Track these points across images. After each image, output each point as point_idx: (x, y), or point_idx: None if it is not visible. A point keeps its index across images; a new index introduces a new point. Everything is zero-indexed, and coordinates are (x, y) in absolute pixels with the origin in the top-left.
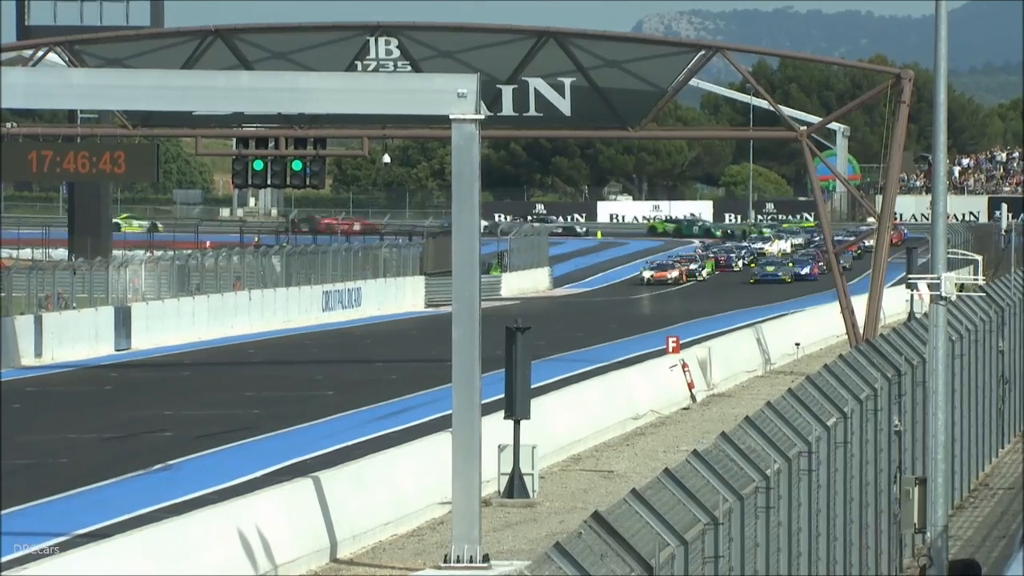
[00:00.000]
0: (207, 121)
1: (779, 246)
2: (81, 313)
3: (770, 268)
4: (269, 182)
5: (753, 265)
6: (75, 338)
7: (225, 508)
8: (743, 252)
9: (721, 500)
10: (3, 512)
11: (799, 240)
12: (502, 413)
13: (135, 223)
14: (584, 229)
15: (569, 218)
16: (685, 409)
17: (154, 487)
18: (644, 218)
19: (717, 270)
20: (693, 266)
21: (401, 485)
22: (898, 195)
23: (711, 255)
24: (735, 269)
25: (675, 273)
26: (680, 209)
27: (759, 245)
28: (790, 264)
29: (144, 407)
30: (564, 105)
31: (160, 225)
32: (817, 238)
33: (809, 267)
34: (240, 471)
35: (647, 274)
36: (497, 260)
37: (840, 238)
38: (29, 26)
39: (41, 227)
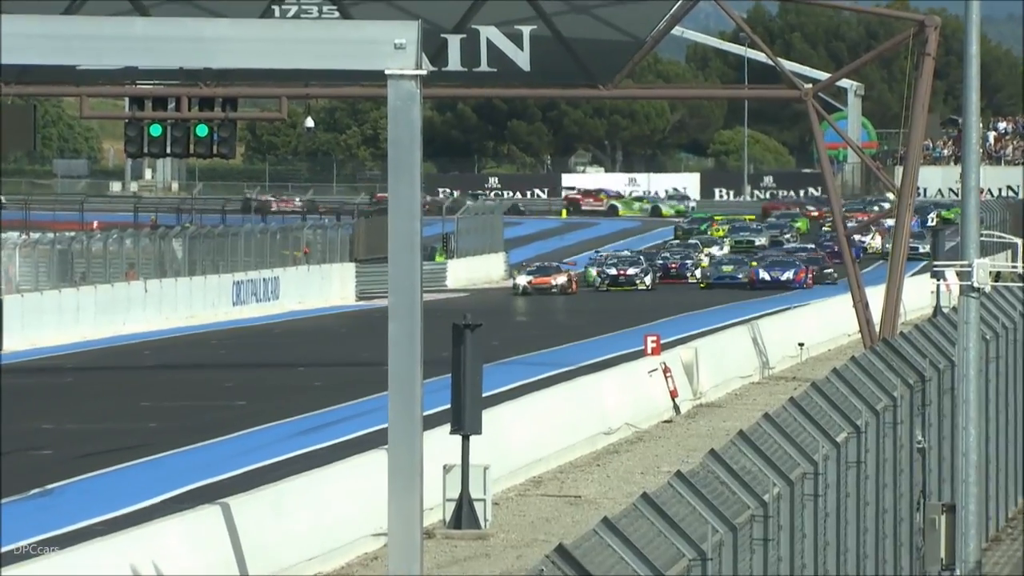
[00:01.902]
0: (94, 78)
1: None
2: None
3: (727, 268)
4: (168, 150)
5: (705, 265)
6: None
7: (116, 541)
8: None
9: (710, 531)
10: None
11: (763, 240)
12: (448, 427)
13: None
14: (690, 206)
15: (528, 193)
16: (667, 422)
17: (30, 516)
18: (619, 193)
19: (663, 279)
20: (633, 270)
21: (328, 513)
22: (921, 166)
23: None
24: (688, 279)
25: (561, 279)
26: (661, 183)
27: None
28: (753, 264)
29: (18, 420)
30: (522, 58)
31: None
32: (810, 246)
33: (793, 271)
34: (134, 496)
35: (522, 280)
36: (442, 244)
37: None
38: None
39: None
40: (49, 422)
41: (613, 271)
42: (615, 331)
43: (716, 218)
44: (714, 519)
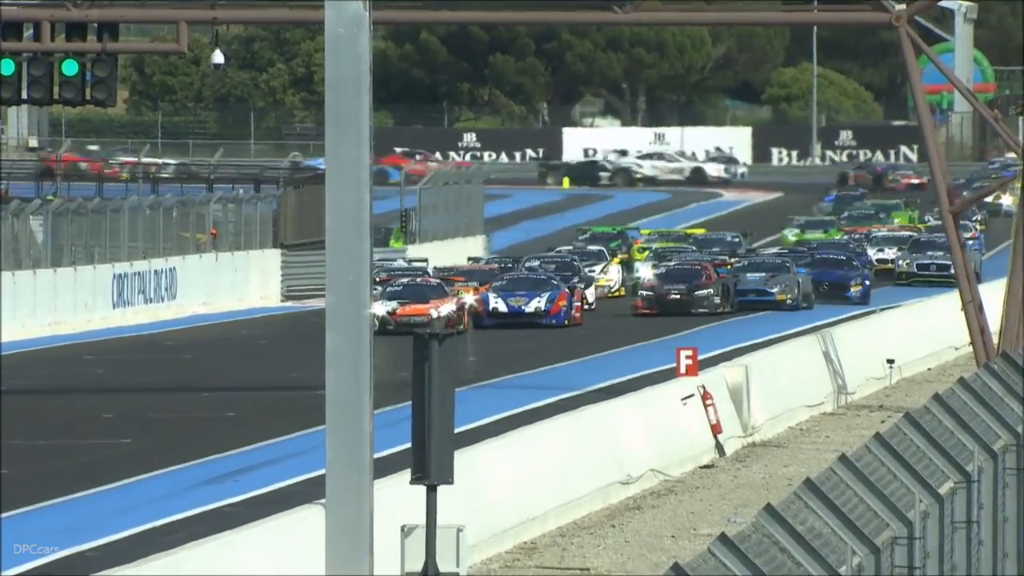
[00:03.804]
0: None
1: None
2: None
3: (754, 283)
4: (24, 95)
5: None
6: None
7: None
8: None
9: None
10: None
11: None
12: (407, 474)
13: None
14: (739, 172)
15: (520, 154)
16: (707, 467)
17: None
18: (639, 154)
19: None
20: (535, 303)
21: None
22: None
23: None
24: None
25: (445, 307)
26: (699, 140)
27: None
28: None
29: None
30: None
31: None
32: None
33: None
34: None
35: (382, 309)
36: (400, 224)
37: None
38: None
39: None
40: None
41: (503, 305)
42: (636, 342)
43: (643, 232)
44: None
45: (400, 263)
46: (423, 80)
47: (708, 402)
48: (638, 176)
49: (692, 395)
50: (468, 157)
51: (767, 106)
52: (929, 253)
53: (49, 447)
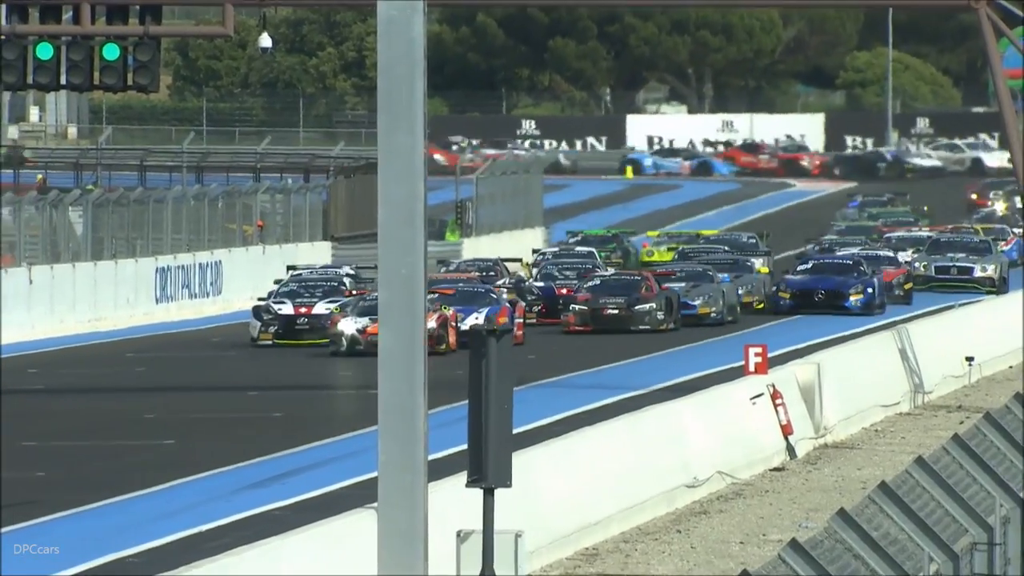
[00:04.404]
0: None
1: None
2: None
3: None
4: (64, 81)
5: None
6: None
7: None
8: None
9: None
10: None
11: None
12: (463, 477)
13: None
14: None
15: (581, 143)
16: (777, 470)
17: None
18: (707, 142)
19: (542, 315)
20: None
21: None
22: None
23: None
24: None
25: (350, 327)
26: (769, 128)
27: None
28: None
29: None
30: None
31: None
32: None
33: (870, 287)
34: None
35: (350, 327)
36: (456, 216)
37: None
38: None
39: None
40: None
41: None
42: (701, 340)
43: (651, 234)
44: None
45: (309, 272)
46: (480, 65)
47: (778, 401)
48: (909, 168)
49: (761, 394)
50: (527, 145)
51: (840, 92)
52: (949, 255)
53: (89, 448)
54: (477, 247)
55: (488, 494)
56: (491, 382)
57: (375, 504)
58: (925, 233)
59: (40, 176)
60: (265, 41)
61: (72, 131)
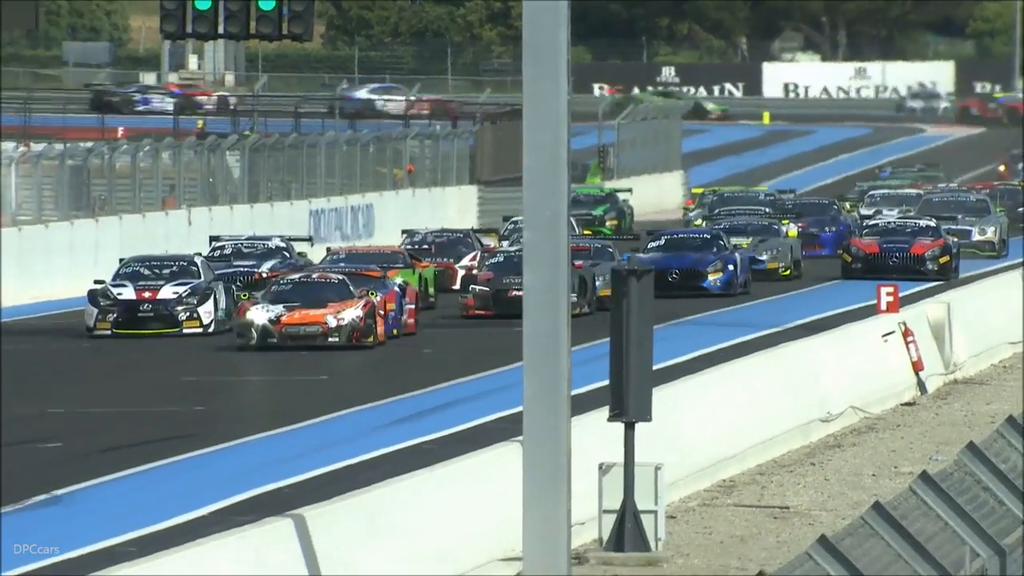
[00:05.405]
0: None
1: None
2: None
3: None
4: (221, 30)
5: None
6: None
7: (152, 565)
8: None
9: (968, 555)
10: None
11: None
12: (604, 412)
13: None
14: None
15: (718, 88)
16: (908, 405)
17: (34, 532)
18: (841, 89)
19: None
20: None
21: (439, 530)
22: None
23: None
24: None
25: (350, 312)
26: (900, 75)
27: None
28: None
29: (14, 402)
30: None
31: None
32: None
33: (730, 263)
34: (175, 506)
35: (261, 317)
36: (598, 160)
37: None
38: None
39: None
40: (58, 404)
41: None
42: (833, 280)
43: (695, 191)
44: (973, 538)
45: (242, 241)
46: (621, 14)
47: (909, 339)
48: None
49: (893, 332)
50: (667, 91)
51: (970, 40)
52: (945, 216)
53: (245, 384)
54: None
55: (629, 428)
56: (631, 321)
57: (521, 437)
58: (913, 191)
59: (200, 122)
60: None
61: (229, 79)
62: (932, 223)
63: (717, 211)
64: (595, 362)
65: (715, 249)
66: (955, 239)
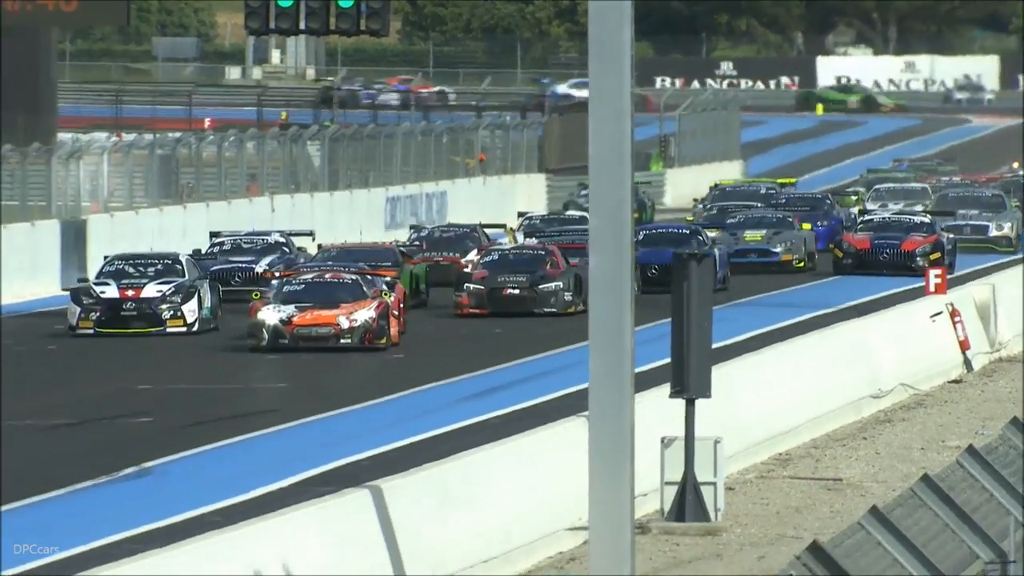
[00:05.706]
0: None
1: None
2: (8, 231)
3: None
4: (303, 26)
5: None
6: None
7: (235, 535)
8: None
9: (1012, 525)
10: None
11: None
12: (666, 389)
13: None
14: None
15: (774, 82)
16: (955, 382)
17: (124, 503)
18: (891, 82)
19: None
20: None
21: (509, 501)
22: None
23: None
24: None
25: (362, 314)
26: (948, 69)
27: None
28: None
29: (104, 380)
30: None
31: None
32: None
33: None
34: (257, 478)
35: (272, 318)
36: (659, 149)
37: None
38: None
39: None
40: (146, 381)
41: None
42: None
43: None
44: (1018, 509)
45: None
46: (682, 12)
47: (956, 319)
48: None
49: (941, 312)
50: (725, 84)
51: (1014, 35)
52: (961, 212)
53: (325, 363)
54: (678, 176)
55: (690, 404)
56: (692, 302)
57: (586, 413)
58: (918, 185)
59: (284, 113)
60: None
61: (310, 72)
62: (927, 219)
63: (713, 207)
64: (657, 342)
65: (694, 244)
66: (951, 235)
